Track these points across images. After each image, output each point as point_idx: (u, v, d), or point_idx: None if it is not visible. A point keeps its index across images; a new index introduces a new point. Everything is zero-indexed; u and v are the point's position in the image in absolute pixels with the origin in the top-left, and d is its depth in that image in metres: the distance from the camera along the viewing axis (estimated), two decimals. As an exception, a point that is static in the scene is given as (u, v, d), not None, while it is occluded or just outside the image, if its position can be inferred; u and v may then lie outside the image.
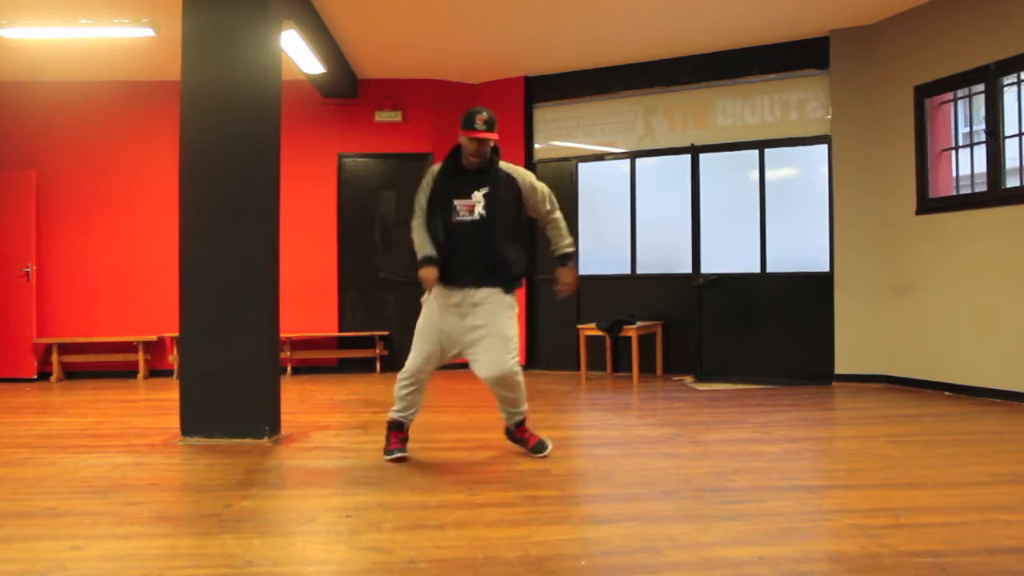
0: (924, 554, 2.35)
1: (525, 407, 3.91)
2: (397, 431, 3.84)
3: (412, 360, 3.75)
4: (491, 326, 3.67)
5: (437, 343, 3.73)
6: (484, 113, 3.70)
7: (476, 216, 3.71)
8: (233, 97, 4.37)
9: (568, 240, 3.93)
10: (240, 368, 4.32)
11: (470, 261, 3.70)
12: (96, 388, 7.05)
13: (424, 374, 3.78)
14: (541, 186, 3.87)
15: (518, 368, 3.73)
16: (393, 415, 3.83)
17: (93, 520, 2.82)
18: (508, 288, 3.75)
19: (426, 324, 3.76)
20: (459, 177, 3.77)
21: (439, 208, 3.76)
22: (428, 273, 3.70)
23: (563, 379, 7.34)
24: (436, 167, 3.87)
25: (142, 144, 7.91)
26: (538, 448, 3.86)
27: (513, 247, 3.78)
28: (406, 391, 3.79)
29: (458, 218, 3.72)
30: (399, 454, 3.77)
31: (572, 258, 3.93)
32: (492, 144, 3.76)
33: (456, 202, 3.73)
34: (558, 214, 3.93)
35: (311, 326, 8.04)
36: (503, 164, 3.83)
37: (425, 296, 3.80)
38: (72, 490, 3.27)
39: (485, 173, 3.76)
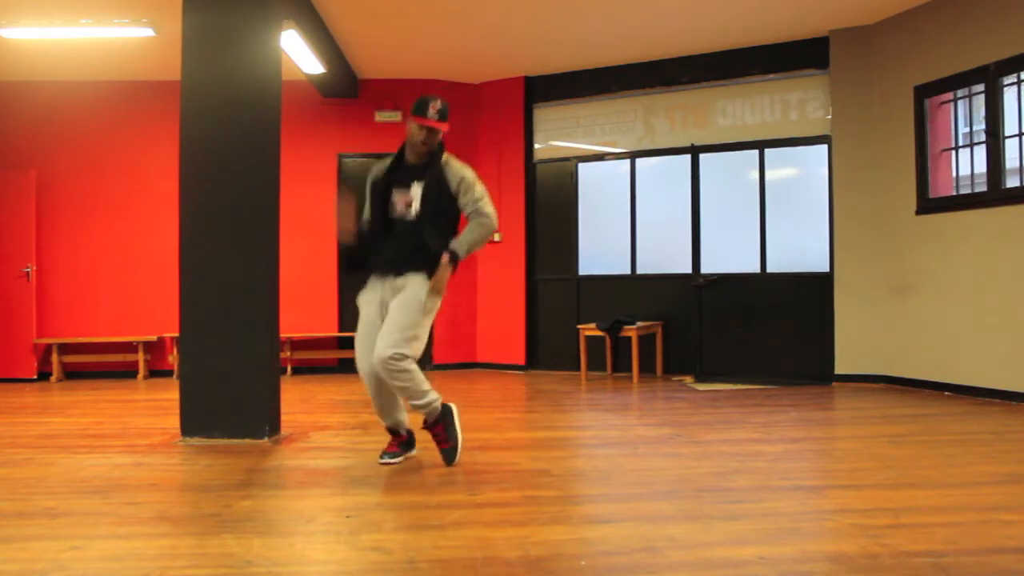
0: (924, 554, 2.35)
1: (428, 400, 3.54)
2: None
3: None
4: (390, 316, 3.48)
5: (365, 335, 3.58)
6: (438, 102, 3.53)
7: (412, 214, 3.55)
8: (233, 97, 4.37)
9: (467, 240, 3.57)
10: (240, 368, 4.32)
11: (397, 254, 3.55)
12: (96, 388, 7.05)
13: (362, 364, 3.58)
14: (471, 181, 3.59)
15: (399, 356, 3.38)
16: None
17: (93, 520, 2.81)
18: (430, 272, 3.52)
19: (360, 317, 3.66)
20: (401, 170, 3.62)
21: (379, 200, 3.61)
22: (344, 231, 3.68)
23: (563, 379, 7.33)
24: (380, 163, 3.74)
25: (142, 144, 7.91)
26: (444, 455, 3.64)
27: (443, 239, 3.57)
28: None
29: (395, 215, 3.59)
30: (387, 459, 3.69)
31: (454, 259, 3.53)
32: (440, 137, 3.59)
33: (396, 193, 3.59)
34: (486, 210, 3.59)
35: (311, 326, 8.04)
36: (445, 157, 3.63)
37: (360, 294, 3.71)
38: (72, 490, 3.27)
39: (425, 167, 3.59)
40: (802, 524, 2.71)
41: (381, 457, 3.72)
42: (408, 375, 3.43)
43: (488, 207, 3.62)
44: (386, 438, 3.84)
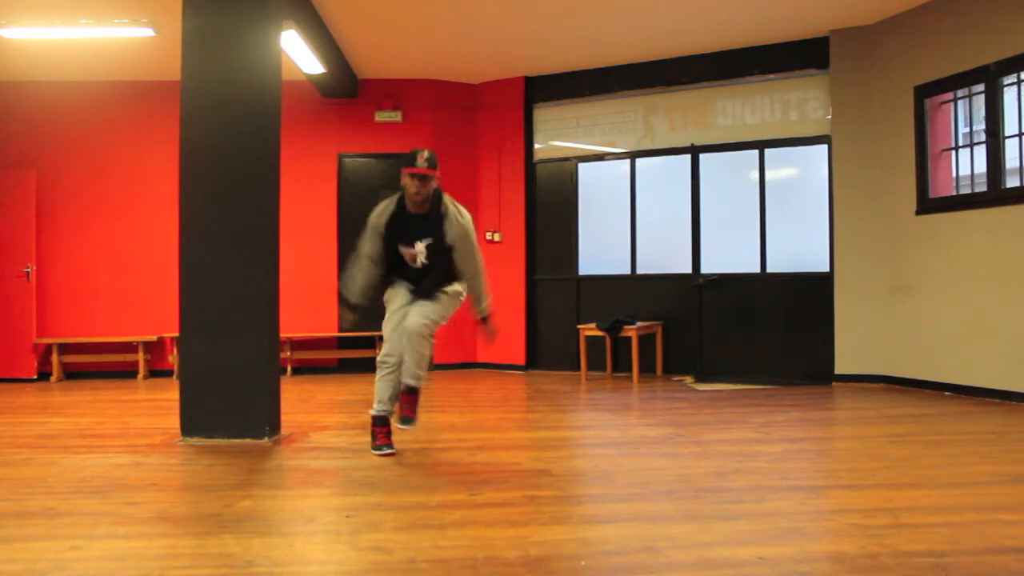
0: (924, 554, 2.35)
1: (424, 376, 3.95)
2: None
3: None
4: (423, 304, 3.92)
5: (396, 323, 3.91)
6: (425, 152, 3.75)
7: (419, 265, 3.87)
8: (233, 97, 4.37)
9: (487, 302, 4.03)
10: (240, 368, 4.31)
11: (419, 290, 3.91)
12: (96, 388, 7.05)
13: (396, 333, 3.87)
14: (471, 237, 3.88)
15: (432, 324, 3.87)
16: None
17: (93, 520, 2.81)
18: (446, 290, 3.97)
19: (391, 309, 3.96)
20: (405, 221, 3.84)
21: (389, 249, 3.88)
22: (347, 317, 4.09)
23: (563, 379, 7.33)
24: (388, 202, 3.89)
25: (142, 144, 7.91)
26: (403, 420, 3.87)
27: (451, 276, 3.96)
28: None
29: (404, 263, 3.91)
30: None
31: (490, 317, 4.08)
32: (435, 185, 3.79)
33: (401, 248, 3.85)
34: (479, 271, 3.98)
35: (311, 326, 8.04)
36: (447, 202, 3.85)
37: (387, 294, 4.01)
38: (72, 490, 3.27)
39: (427, 219, 3.81)
40: (802, 524, 2.71)
41: (384, 448, 3.86)
42: (431, 344, 3.84)
43: (481, 261, 3.99)
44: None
